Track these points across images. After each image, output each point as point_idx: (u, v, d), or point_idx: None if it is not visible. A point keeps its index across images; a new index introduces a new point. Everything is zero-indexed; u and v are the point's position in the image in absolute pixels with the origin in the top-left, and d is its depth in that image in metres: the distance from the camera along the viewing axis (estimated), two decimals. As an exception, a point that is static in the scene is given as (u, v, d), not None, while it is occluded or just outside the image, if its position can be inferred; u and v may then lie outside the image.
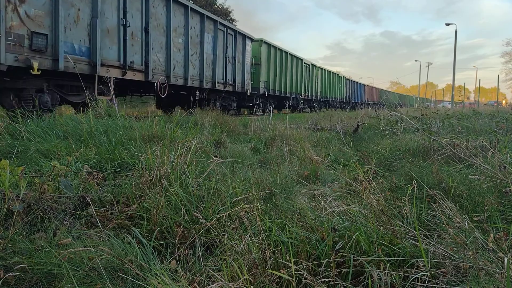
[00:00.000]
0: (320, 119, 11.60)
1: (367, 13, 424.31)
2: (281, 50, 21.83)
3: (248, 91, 17.37)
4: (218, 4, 36.65)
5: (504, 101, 59.35)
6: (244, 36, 16.96)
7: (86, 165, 3.43)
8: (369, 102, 43.26)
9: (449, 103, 43.64)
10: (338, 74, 34.60)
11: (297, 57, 24.48)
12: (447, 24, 42.05)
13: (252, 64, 18.16)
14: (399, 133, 6.58)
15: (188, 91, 13.02)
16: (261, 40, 19.25)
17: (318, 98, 29.20)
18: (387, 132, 6.81)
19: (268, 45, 20.19)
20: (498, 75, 33.72)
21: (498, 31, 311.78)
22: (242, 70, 16.73)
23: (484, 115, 9.81)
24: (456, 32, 40.39)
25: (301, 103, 25.42)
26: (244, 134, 7.62)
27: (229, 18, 36.04)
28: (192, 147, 3.34)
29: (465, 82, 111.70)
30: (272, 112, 13.55)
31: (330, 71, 32.35)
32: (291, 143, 5.76)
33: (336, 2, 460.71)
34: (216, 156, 3.50)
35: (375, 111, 12.14)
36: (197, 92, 13.14)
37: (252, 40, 18.13)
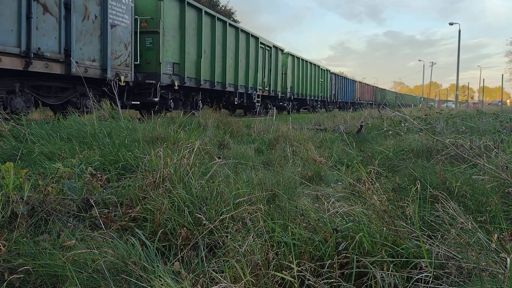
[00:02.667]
0: (323, 119, 11.62)
1: (370, 13, 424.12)
2: (212, 15, 13.24)
3: (126, 77, 9.55)
4: (221, 6, 36.71)
5: (508, 101, 59.06)
6: None
7: (89, 167, 3.44)
8: (362, 102, 37.28)
9: (453, 103, 43.54)
10: (319, 66, 26.50)
11: (247, 32, 15.97)
12: (451, 24, 42.06)
13: (136, 31, 10.09)
14: (402, 133, 6.56)
15: None
16: None
17: (288, 96, 21.70)
18: (390, 132, 6.79)
19: (181, 1, 11.51)
20: (502, 75, 33.76)
21: (502, 30, 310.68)
22: (101, 37, 8.81)
23: (488, 114, 9.76)
24: (459, 31, 40.29)
25: (257, 102, 17.48)
26: (247, 135, 7.62)
27: (232, 19, 36.07)
28: (195, 149, 3.35)
29: (469, 81, 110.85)
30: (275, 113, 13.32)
31: (307, 61, 24.05)
32: (294, 144, 5.75)
33: (339, 2, 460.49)
34: (219, 157, 3.51)
35: (379, 111, 12.12)
36: None
37: None
